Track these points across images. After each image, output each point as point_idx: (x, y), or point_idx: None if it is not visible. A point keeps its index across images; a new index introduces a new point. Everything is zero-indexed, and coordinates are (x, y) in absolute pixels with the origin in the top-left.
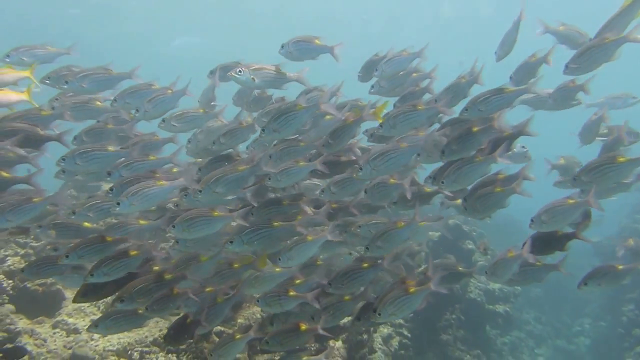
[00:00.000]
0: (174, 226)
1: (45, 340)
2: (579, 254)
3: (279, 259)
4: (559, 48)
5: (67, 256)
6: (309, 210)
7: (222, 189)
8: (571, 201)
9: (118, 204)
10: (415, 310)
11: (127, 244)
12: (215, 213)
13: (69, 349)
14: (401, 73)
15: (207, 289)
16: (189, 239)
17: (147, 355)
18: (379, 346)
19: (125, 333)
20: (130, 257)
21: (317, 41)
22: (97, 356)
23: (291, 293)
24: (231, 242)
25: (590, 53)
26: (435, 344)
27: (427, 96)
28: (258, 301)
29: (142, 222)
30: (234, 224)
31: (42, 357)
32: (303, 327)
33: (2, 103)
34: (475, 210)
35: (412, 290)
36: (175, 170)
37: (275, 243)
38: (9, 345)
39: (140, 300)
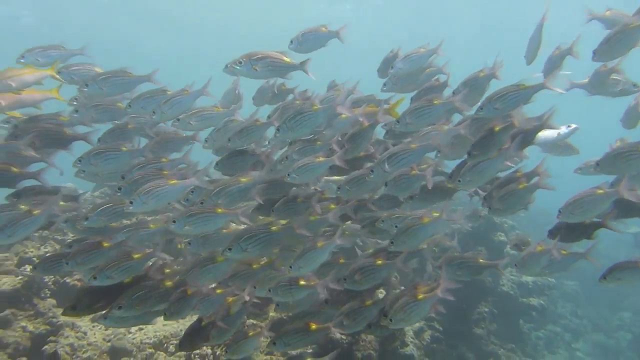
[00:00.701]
0: (174, 221)
1: (85, 333)
2: (618, 245)
3: (290, 268)
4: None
5: (67, 263)
6: (319, 209)
7: (225, 200)
8: (600, 191)
9: (131, 202)
10: (446, 303)
11: (128, 248)
12: (219, 210)
13: (108, 341)
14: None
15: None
16: (203, 243)
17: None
18: (411, 339)
19: (161, 326)
20: (134, 260)
21: (324, 29)
22: (134, 348)
23: (301, 282)
24: (229, 249)
25: (616, 39)
26: (468, 337)
27: (447, 91)
28: (270, 290)
29: (152, 226)
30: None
31: (83, 350)
32: (313, 326)
33: (30, 102)
34: (500, 210)
35: (420, 296)
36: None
37: (275, 247)
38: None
39: (139, 307)
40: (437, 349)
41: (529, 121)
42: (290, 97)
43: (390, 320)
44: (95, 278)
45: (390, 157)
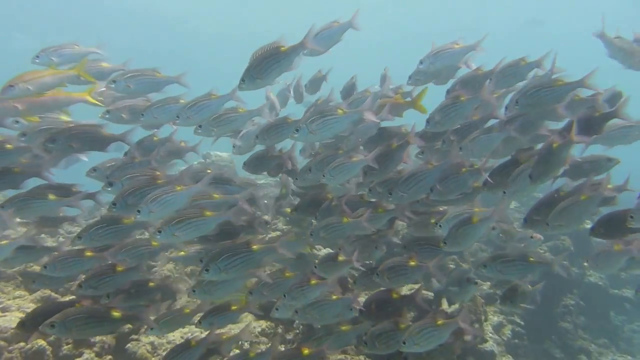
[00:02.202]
0: (159, 231)
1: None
2: None
3: (276, 310)
4: None
5: (45, 267)
6: (347, 210)
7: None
8: None
9: (138, 211)
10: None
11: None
12: (207, 213)
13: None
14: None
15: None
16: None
17: (256, 346)
18: (490, 335)
19: (238, 324)
20: (117, 273)
21: (335, 24)
22: None
23: (313, 282)
24: (207, 270)
25: None
26: (553, 332)
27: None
28: (285, 296)
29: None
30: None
31: (163, 348)
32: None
33: (52, 104)
34: (560, 226)
35: (439, 322)
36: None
37: (255, 266)
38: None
39: (74, 331)
40: (519, 345)
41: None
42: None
43: (404, 343)
44: (80, 287)
45: (408, 179)
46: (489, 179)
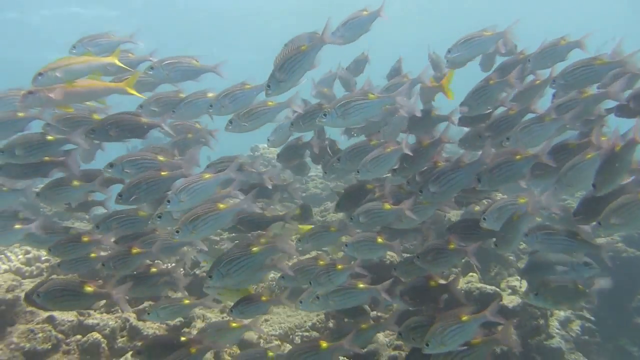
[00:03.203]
0: (178, 231)
1: None
2: None
3: (300, 303)
4: None
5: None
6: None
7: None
8: None
9: (168, 201)
10: (599, 290)
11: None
12: (221, 206)
13: None
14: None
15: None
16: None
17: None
18: (557, 331)
19: (285, 317)
20: (132, 256)
21: (364, 12)
22: (261, 340)
23: (339, 267)
24: (210, 276)
25: None
26: (627, 328)
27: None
28: (310, 283)
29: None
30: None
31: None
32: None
33: (86, 94)
34: (619, 225)
35: (464, 318)
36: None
37: (258, 268)
38: None
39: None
40: (590, 341)
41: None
42: None
43: (427, 345)
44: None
45: (440, 177)
46: (552, 162)
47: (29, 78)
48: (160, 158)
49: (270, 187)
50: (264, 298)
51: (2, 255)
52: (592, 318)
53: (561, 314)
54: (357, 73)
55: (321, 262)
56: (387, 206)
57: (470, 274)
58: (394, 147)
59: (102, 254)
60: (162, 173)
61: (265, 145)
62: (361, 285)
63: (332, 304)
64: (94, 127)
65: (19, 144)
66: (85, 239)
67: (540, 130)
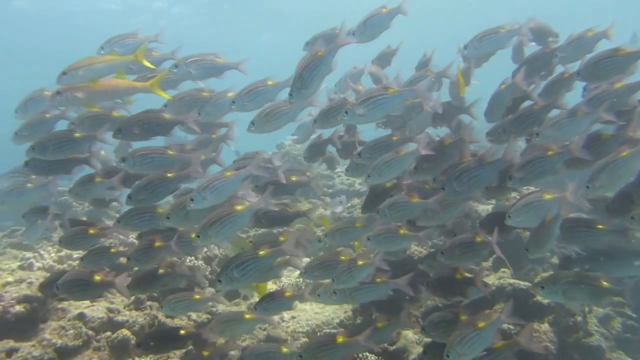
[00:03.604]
0: (198, 236)
1: None
2: None
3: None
4: None
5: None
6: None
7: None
8: None
9: (192, 200)
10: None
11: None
12: (238, 207)
13: (264, 330)
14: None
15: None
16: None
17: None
18: (596, 328)
19: (313, 314)
20: (155, 249)
21: (384, 10)
22: (289, 337)
23: (360, 263)
24: (219, 280)
25: None
26: None
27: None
28: (333, 280)
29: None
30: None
31: (242, 338)
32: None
33: (124, 91)
34: None
35: (480, 324)
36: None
37: (266, 272)
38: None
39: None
40: (633, 339)
41: None
42: None
43: (447, 356)
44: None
45: (461, 174)
46: (587, 156)
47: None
48: (170, 152)
49: (284, 182)
50: (287, 294)
51: (36, 254)
52: (634, 315)
53: (600, 310)
54: (384, 66)
55: (343, 258)
56: (414, 199)
57: (503, 269)
58: (408, 150)
59: (121, 249)
60: (169, 175)
61: (291, 142)
62: (379, 280)
63: (350, 299)
64: (119, 127)
65: (49, 140)
66: (92, 231)
67: (572, 125)
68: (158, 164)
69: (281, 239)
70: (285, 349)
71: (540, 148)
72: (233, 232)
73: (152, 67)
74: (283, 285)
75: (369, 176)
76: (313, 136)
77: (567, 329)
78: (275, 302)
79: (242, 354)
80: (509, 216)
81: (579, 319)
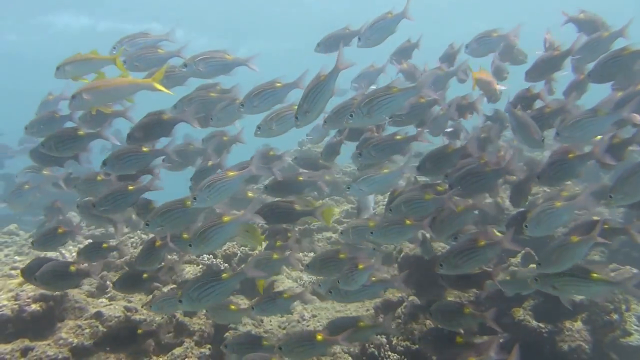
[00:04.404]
0: (190, 245)
1: (262, 321)
2: None
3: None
4: None
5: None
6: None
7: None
8: None
9: (194, 198)
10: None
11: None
12: (225, 218)
13: (283, 328)
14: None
15: None
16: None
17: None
18: (635, 327)
19: (334, 313)
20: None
21: (389, 15)
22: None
23: (360, 266)
24: (180, 301)
25: None
26: None
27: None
28: (339, 282)
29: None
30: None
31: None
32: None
33: (128, 90)
34: None
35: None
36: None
37: (229, 294)
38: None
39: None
40: None
41: None
42: None
43: None
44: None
45: (467, 175)
46: (611, 160)
47: None
48: (144, 149)
49: (280, 179)
50: (285, 295)
51: (58, 253)
52: None
53: (638, 308)
54: (405, 58)
55: (341, 256)
56: (428, 195)
57: (531, 265)
58: (391, 169)
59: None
60: (130, 187)
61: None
62: (373, 279)
63: (345, 297)
64: (128, 135)
65: (56, 137)
66: (60, 230)
67: (593, 126)
68: (134, 163)
69: (289, 235)
70: (265, 342)
71: (561, 151)
72: (222, 242)
73: (169, 92)
74: (304, 283)
75: (348, 188)
76: (327, 138)
77: (602, 328)
78: (272, 303)
79: (226, 342)
80: (526, 226)
81: (615, 317)
